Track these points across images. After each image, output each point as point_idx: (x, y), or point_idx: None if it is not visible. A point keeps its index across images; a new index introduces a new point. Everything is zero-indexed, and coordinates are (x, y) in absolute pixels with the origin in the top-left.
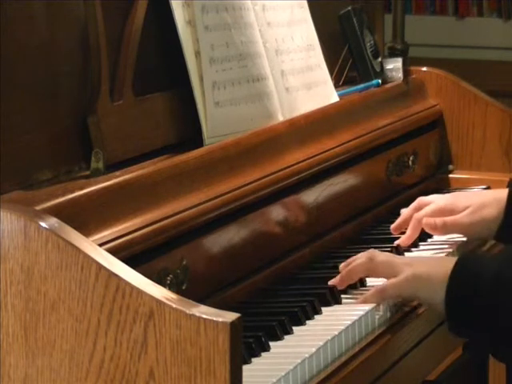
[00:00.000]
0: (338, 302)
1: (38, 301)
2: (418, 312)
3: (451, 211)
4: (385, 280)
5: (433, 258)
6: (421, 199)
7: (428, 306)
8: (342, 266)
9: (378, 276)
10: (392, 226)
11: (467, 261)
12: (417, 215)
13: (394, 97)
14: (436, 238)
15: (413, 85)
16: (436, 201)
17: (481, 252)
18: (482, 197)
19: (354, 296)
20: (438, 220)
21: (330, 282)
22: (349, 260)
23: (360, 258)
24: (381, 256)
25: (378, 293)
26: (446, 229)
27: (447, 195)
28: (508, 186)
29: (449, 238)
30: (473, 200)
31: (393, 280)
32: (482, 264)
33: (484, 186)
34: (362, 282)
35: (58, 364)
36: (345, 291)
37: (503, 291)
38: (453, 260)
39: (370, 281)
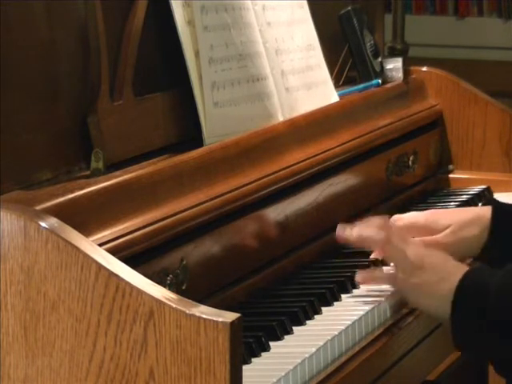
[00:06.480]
0: (338, 301)
1: (37, 301)
2: (418, 312)
3: (431, 230)
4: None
5: (442, 267)
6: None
7: (429, 315)
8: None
9: (386, 255)
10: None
11: (473, 275)
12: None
13: (394, 97)
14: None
15: (413, 85)
16: (415, 217)
17: (486, 267)
18: (462, 215)
19: (355, 296)
20: (419, 241)
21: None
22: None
23: (376, 231)
24: (396, 240)
25: (391, 277)
26: None
27: (426, 212)
28: (487, 204)
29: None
30: (453, 219)
31: (404, 277)
32: (488, 279)
33: (484, 186)
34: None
35: (58, 364)
36: (345, 291)
37: (508, 307)
38: (461, 270)
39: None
